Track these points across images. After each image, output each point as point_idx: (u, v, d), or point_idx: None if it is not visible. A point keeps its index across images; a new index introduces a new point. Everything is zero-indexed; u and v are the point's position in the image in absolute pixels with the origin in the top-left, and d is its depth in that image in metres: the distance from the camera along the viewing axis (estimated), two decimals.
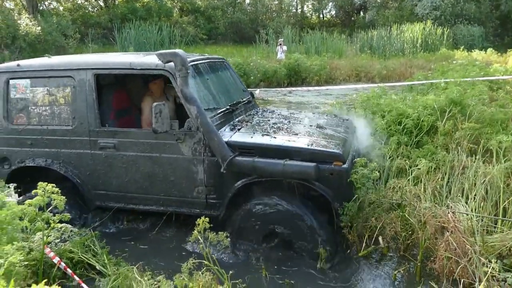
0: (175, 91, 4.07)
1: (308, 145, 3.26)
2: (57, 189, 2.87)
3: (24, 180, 3.94)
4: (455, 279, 2.79)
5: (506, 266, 2.88)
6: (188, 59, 3.42)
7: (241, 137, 3.42)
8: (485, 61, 12.98)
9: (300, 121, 4.08)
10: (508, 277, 2.78)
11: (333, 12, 36.32)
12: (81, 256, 3.19)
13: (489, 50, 15.94)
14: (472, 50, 16.50)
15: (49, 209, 2.82)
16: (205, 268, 2.39)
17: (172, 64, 3.26)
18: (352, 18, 33.58)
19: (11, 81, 3.81)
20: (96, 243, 3.36)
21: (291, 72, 14.06)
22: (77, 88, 3.62)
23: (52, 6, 29.78)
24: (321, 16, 36.72)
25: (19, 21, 19.81)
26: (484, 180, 3.47)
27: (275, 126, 3.73)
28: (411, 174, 3.80)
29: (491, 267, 1.73)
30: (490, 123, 4.66)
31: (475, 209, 3.28)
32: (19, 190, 4.03)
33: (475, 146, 4.21)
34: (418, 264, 3.12)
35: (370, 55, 18.00)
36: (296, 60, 14.26)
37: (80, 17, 27.91)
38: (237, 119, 3.90)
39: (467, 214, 3.17)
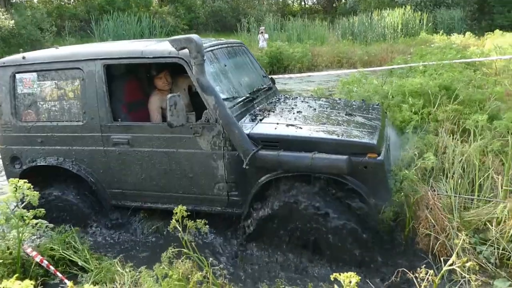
0: (188, 81, 3.84)
1: (338, 136, 2.99)
2: (29, 184, 2.81)
3: (37, 180, 3.72)
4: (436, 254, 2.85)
5: (482, 240, 2.97)
6: (204, 45, 3.17)
7: (263, 128, 3.16)
8: (463, 44, 13.16)
9: (326, 108, 3.79)
10: (483, 250, 2.86)
11: None
12: (62, 253, 3.15)
13: (467, 33, 16.16)
14: (451, 34, 16.69)
15: None
16: (184, 256, 2.38)
17: (186, 51, 3.00)
18: (334, 5, 33.54)
19: (17, 75, 3.61)
20: (76, 240, 3.31)
21: (273, 60, 14.02)
22: (86, 81, 3.41)
23: None
24: (302, 3, 36.59)
25: None
26: (461, 159, 3.53)
27: (300, 115, 3.47)
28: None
29: (461, 239, 1.77)
30: (468, 103, 4.72)
31: (454, 187, 3.34)
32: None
33: (454, 127, 4.28)
34: (403, 242, 3.15)
35: (352, 41, 18.06)
36: (278, 48, 14.24)
37: (55, 9, 27.16)
38: (258, 108, 3.63)
39: (447, 192, 3.24)
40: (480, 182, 3.36)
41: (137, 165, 3.44)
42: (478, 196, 3.35)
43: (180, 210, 2.41)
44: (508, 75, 6.03)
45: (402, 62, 7.67)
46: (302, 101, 4.03)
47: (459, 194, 3.26)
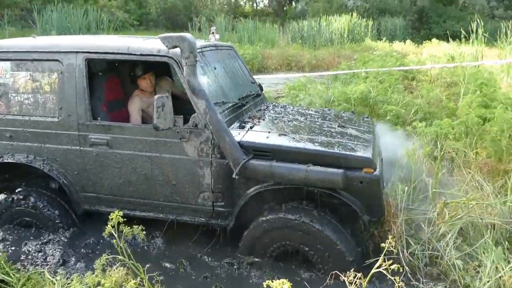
0: (170, 85, 3.77)
1: (333, 148, 2.90)
2: None
3: (2, 177, 3.48)
4: None
5: (418, 240, 3.15)
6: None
7: (255, 137, 3.00)
8: (404, 51, 13.92)
9: (317, 118, 3.68)
10: (416, 249, 3.04)
11: (266, 1, 36.63)
12: None
13: (408, 41, 17.16)
14: (394, 42, 17.62)
15: None
16: (119, 263, 2.29)
17: (177, 50, 2.82)
18: (284, 8, 34.11)
19: None
20: None
21: None
22: (65, 74, 3.16)
23: None
24: (254, 5, 36.85)
25: None
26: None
27: (291, 125, 3.38)
28: None
29: (388, 242, 1.86)
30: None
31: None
32: None
33: None
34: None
35: (301, 45, 18.42)
36: None
37: None
38: (247, 115, 3.47)
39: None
40: (414, 185, 3.55)
41: (116, 168, 3.21)
42: (412, 198, 3.55)
43: (116, 215, 2.32)
44: (441, 82, 6.47)
45: (347, 68, 7.97)
46: (291, 110, 3.96)
47: (398, 198, 3.40)
